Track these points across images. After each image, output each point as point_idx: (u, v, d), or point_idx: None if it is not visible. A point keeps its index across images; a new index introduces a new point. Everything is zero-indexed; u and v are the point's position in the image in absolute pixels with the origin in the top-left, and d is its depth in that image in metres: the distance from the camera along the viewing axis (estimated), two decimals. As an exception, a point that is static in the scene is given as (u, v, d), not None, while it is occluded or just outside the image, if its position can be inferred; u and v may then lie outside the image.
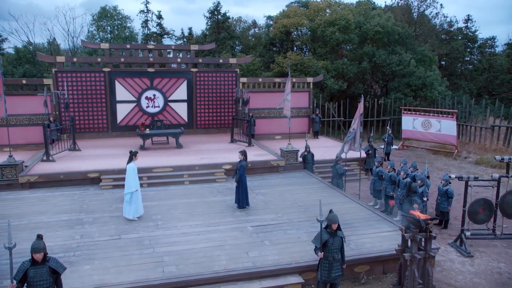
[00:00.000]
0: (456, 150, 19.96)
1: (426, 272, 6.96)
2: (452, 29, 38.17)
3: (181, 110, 19.97)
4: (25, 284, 5.45)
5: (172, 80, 19.67)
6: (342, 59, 28.87)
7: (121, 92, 19.10)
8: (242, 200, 10.60)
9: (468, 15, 39.40)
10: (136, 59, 19.45)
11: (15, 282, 5.35)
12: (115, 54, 19.15)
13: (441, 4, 41.79)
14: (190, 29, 40.25)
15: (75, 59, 18.81)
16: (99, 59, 18.89)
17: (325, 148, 17.88)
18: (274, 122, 20.62)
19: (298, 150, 14.91)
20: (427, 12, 35.67)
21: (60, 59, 18.42)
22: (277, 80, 21.09)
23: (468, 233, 9.56)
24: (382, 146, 18.63)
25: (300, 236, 8.81)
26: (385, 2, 70.03)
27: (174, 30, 40.39)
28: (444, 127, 19.97)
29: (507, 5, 58.34)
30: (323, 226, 6.63)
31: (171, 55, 19.84)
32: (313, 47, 29.17)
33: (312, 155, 14.75)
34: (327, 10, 29.09)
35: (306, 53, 30.77)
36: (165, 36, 39.42)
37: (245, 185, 10.64)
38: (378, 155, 15.47)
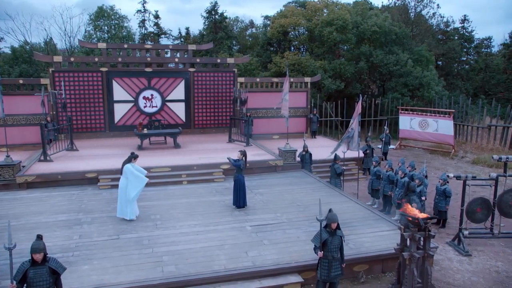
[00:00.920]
0: (453, 150, 20.04)
1: (425, 271, 6.98)
2: (448, 29, 38.32)
3: (179, 110, 19.95)
4: (25, 285, 5.42)
5: (170, 80, 19.64)
6: (339, 59, 28.91)
7: (119, 92, 19.06)
8: (240, 200, 10.60)
9: (465, 15, 39.54)
10: (133, 59, 19.41)
11: (14, 282, 5.32)
12: (113, 54, 19.11)
13: (437, 4, 42.08)
14: (187, 29, 40.22)
15: (72, 59, 18.74)
16: (96, 59, 18.84)
17: (322, 148, 17.89)
18: (272, 122, 20.64)
19: (296, 150, 14.93)
20: (424, 12, 35.82)
21: (57, 58, 18.36)
22: (275, 80, 21.11)
23: (466, 232, 9.61)
24: (380, 146, 18.69)
25: (299, 236, 8.82)
26: (382, 2, 70.19)
27: (171, 30, 40.39)
28: (441, 126, 20.04)
29: (503, 6, 58.70)
30: (323, 225, 6.65)
31: (168, 55, 19.84)
32: (311, 47, 29.20)
33: (310, 155, 14.77)
34: (325, 10, 29.13)
35: (304, 53, 30.79)
36: (163, 36, 39.33)
37: (243, 185, 10.64)
38: (375, 155, 15.52)
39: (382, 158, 16.90)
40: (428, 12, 36.05)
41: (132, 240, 8.59)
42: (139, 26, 38.40)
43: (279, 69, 27.35)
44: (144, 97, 19.41)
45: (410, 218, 6.95)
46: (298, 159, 14.92)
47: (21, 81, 17.59)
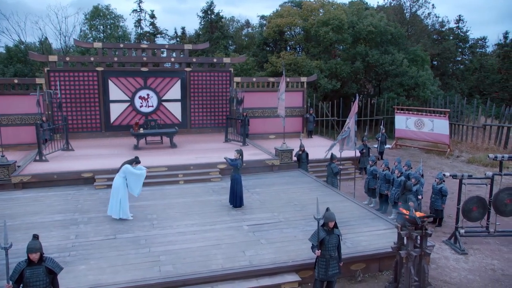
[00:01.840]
0: (449, 149, 20.15)
1: (421, 269, 7.02)
2: (443, 29, 38.50)
3: (175, 109, 19.90)
4: (21, 285, 5.39)
5: (166, 80, 19.59)
6: (335, 58, 28.98)
7: (115, 91, 18.97)
8: (237, 199, 10.59)
9: (459, 15, 39.73)
10: (129, 59, 19.33)
11: (11, 282, 5.28)
12: (108, 54, 19.03)
13: (432, 5, 42.22)
14: (183, 28, 40.11)
15: (67, 59, 18.65)
16: (92, 59, 18.74)
17: (319, 148, 17.87)
18: (268, 121, 20.63)
19: (293, 149, 14.94)
20: (419, 12, 36.00)
21: (53, 58, 18.25)
22: (271, 79, 21.11)
23: (462, 231, 9.66)
24: (376, 145, 18.74)
25: (296, 235, 8.83)
26: (378, 2, 70.42)
27: (167, 30, 40.25)
28: (437, 126, 20.14)
29: (497, 6, 59.06)
30: (320, 224, 6.65)
31: (164, 55, 19.76)
32: (307, 47, 29.23)
33: (307, 154, 14.78)
34: (320, 10, 29.18)
35: (300, 52, 30.81)
36: (158, 35, 39.24)
37: (240, 185, 10.63)
38: (372, 154, 15.57)
39: (378, 158, 16.95)
40: (423, 12, 36.27)
41: (129, 240, 8.56)
42: (135, 26, 38.33)
43: (275, 69, 27.37)
44: (140, 97, 19.34)
45: (407, 216, 6.98)
46: (294, 158, 14.94)
47: (16, 81, 17.47)
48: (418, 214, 7.08)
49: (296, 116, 21.25)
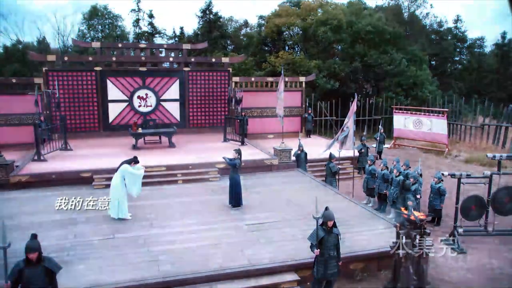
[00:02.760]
0: (447, 149, 20.18)
1: (420, 269, 7.02)
2: (441, 29, 38.53)
3: (174, 109, 19.89)
4: (20, 285, 5.36)
5: (165, 79, 19.57)
6: (333, 58, 28.99)
7: (113, 91, 18.95)
8: (235, 199, 10.58)
9: (458, 15, 39.74)
10: (128, 58, 19.31)
11: (9, 282, 5.26)
12: (107, 53, 19.00)
13: (431, 5, 42.20)
14: (181, 28, 39.89)
15: (66, 58, 18.65)
16: (90, 58, 18.73)
17: (317, 147, 17.82)
18: (267, 121, 20.64)
19: (292, 149, 14.93)
20: (417, 12, 36.05)
21: (51, 58, 18.23)
22: (270, 79, 21.12)
23: (460, 230, 9.67)
24: (374, 145, 18.75)
25: (295, 234, 8.83)
26: (376, 2, 70.46)
27: (165, 29, 40.14)
28: (435, 126, 20.17)
29: (495, 6, 59.12)
30: (319, 223, 6.65)
31: (163, 54, 19.75)
32: (305, 47, 29.28)
33: (305, 154, 14.78)
34: (319, 10, 29.23)
35: (298, 52, 30.84)
36: (157, 35, 39.12)
37: (239, 184, 10.62)
38: (370, 154, 15.57)
39: (377, 157, 16.95)
40: (421, 12, 36.32)
41: (128, 240, 8.55)
42: (133, 25, 38.13)
43: (273, 69, 27.39)
44: (138, 97, 19.32)
45: (406, 215, 6.99)
46: (293, 158, 14.93)
47: (14, 81, 17.44)
48: (418, 214, 7.09)
49: (295, 115, 21.26)
